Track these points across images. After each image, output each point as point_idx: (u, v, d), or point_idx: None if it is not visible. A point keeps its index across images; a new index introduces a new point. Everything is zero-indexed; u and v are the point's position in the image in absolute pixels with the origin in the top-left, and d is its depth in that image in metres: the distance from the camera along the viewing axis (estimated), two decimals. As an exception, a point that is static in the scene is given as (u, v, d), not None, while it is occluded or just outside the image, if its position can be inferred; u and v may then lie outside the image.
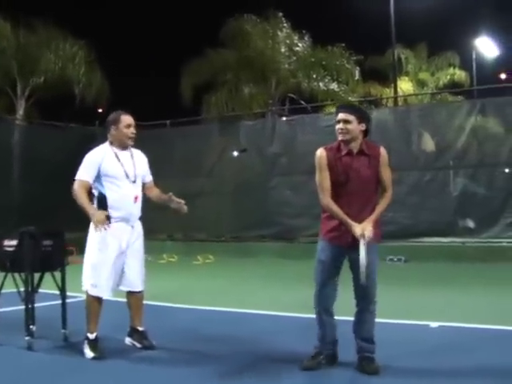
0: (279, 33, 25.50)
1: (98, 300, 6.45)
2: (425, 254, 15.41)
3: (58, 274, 6.91)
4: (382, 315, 7.93)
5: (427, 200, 16.16)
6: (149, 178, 6.92)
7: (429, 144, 17.27)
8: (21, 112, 23.87)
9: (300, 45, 25.87)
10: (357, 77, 26.37)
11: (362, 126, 5.61)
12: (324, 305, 5.72)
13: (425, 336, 7.13)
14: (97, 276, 6.38)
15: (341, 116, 5.64)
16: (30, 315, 6.53)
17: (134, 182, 6.57)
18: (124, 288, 6.67)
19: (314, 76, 25.74)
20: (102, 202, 6.45)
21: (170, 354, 6.47)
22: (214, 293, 10.90)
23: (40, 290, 6.86)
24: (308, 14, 30.35)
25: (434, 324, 7.57)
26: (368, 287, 5.58)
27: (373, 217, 5.51)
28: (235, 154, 19.45)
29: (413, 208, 16.20)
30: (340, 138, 5.62)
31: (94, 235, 6.44)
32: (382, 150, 5.67)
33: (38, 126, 22.82)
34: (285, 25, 25.65)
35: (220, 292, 11.11)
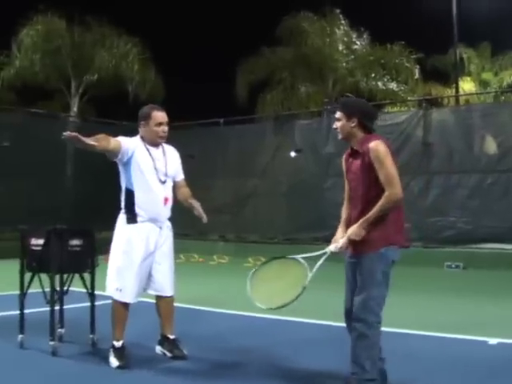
0: (337, 30, 25.06)
1: (124, 305, 6.00)
2: (484, 261, 14.65)
3: (88, 276, 6.52)
4: (436, 328, 7.47)
5: (488, 204, 15.40)
6: (180, 177, 6.44)
7: (491, 146, 16.51)
8: (75, 109, 23.94)
9: (358, 43, 25.42)
10: (416, 76, 25.67)
11: (353, 122, 5.00)
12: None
13: (482, 354, 6.40)
14: (121, 280, 5.93)
15: (335, 114, 5.17)
16: (54, 318, 6.14)
17: (165, 182, 6.13)
18: (153, 292, 6.22)
19: (373, 75, 25.25)
20: (129, 199, 6.02)
21: (201, 365, 5.99)
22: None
23: (73, 289, 6.49)
24: (366, 11, 29.67)
25: (492, 340, 6.82)
26: (357, 303, 4.86)
27: (360, 221, 4.87)
28: (290, 154, 18.97)
29: (473, 212, 15.53)
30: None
31: (119, 236, 6.04)
32: (372, 145, 4.89)
33: (92, 124, 22.70)
34: (342, 22, 25.20)
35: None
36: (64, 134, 5.39)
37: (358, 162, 4.99)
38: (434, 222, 15.88)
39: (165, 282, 6.17)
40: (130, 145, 5.99)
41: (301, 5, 25.16)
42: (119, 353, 5.89)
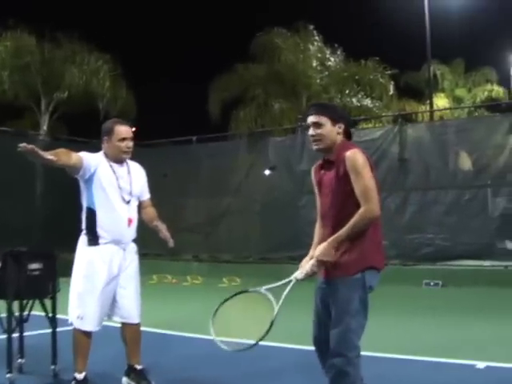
0: (310, 46, 24.84)
1: (86, 334, 5.58)
2: (463, 279, 14.31)
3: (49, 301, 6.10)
4: (417, 352, 7.10)
5: (466, 220, 15.18)
6: (146, 196, 6.07)
7: (466, 162, 16.33)
8: (45, 127, 23.48)
9: (332, 59, 25.24)
10: (391, 92, 25.51)
11: (340, 128, 4.44)
12: None
13: (471, 379, 6.06)
14: (82, 306, 5.52)
15: (310, 119, 4.50)
16: (12, 348, 5.72)
17: (129, 202, 5.75)
18: (118, 319, 5.79)
19: (347, 91, 25.04)
20: (91, 219, 5.63)
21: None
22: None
23: (35, 313, 6.10)
24: (340, 27, 29.66)
25: (480, 364, 6.41)
26: (334, 336, 4.32)
27: (330, 239, 4.30)
28: (264, 172, 18.67)
29: (451, 229, 15.29)
30: (314, 147, 4.52)
31: (80, 259, 5.65)
32: (349, 153, 4.30)
33: (62, 142, 22.25)
34: (316, 38, 25.00)
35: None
36: (19, 145, 4.95)
37: (331, 174, 4.42)
38: (412, 239, 15.62)
39: (130, 308, 5.75)
40: (92, 161, 5.64)
41: (274, 21, 25.03)
42: None
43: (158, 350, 7.15)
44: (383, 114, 24.64)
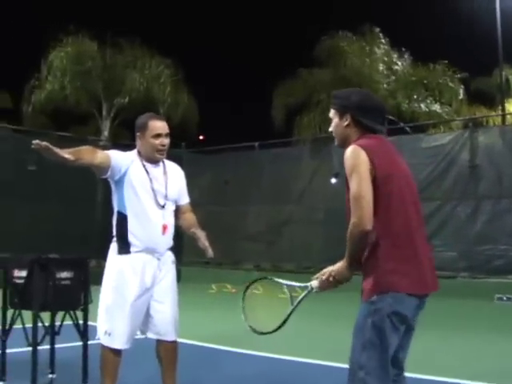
0: (377, 50, 24.18)
1: (114, 352, 5.00)
2: (539, 293, 13.56)
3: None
4: (491, 378, 6.35)
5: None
6: (184, 200, 5.49)
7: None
8: (106, 133, 23.39)
9: (399, 63, 24.49)
10: (461, 96, 24.62)
11: (347, 119, 3.80)
12: None
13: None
14: (111, 321, 4.96)
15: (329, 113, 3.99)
16: (36, 363, 5.22)
17: (163, 207, 5.16)
18: (152, 336, 5.20)
19: (415, 96, 24.22)
20: (122, 224, 5.06)
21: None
22: (292, 336, 8.59)
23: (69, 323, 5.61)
24: (407, 29, 28.90)
25: None
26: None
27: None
28: (331, 179, 18.12)
29: (525, 239, 14.45)
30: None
31: (109, 269, 5.07)
32: (346, 152, 3.65)
33: (124, 148, 22.08)
34: (382, 41, 24.31)
35: (301, 335, 8.57)
36: (33, 142, 4.41)
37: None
38: (483, 250, 14.85)
39: (166, 324, 5.16)
40: (122, 160, 5.08)
41: (339, 24, 24.49)
42: None
43: (206, 366, 6.60)
44: (453, 119, 23.78)
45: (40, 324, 5.32)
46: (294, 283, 3.99)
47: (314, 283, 3.81)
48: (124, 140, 24.13)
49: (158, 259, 5.13)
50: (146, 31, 26.25)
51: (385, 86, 24.22)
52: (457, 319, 10.18)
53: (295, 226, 18.34)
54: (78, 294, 5.54)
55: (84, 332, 5.60)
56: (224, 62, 37.44)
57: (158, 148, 5.13)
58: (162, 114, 22.92)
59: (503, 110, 25.10)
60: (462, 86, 24.73)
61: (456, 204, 14.99)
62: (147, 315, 5.10)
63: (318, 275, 3.81)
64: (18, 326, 5.50)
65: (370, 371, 3.48)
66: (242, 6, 36.27)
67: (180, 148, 20.23)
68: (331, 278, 3.70)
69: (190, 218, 5.44)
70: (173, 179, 5.32)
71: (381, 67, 24.23)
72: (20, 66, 24.69)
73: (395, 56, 24.64)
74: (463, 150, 15.87)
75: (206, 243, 5.18)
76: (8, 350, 5.64)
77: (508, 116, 25.18)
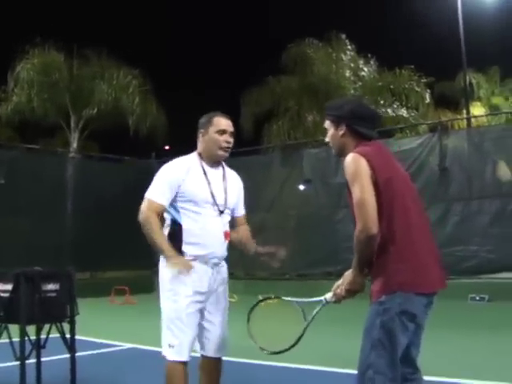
0: (343, 56, 24.50)
1: (180, 365, 4.60)
2: (511, 293, 13.70)
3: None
4: (465, 375, 6.47)
5: (512, 231, 14.49)
6: (241, 212, 5.14)
7: (505, 171, 15.67)
8: (75, 145, 23.32)
9: (365, 69, 24.81)
10: (427, 100, 24.93)
11: (342, 129, 3.89)
12: None
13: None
14: (172, 333, 4.63)
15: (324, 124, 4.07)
16: (25, 376, 5.16)
17: (223, 212, 4.80)
18: (198, 349, 4.83)
19: (382, 102, 24.46)
20: (176, 233, 4.67)
21: None
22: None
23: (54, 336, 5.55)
24: (373, 35, 29.19)
25: None
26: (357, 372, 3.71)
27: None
28: (299, 186, 18.18)
29: (496, 240, 14.58)
30: None
31: (164, 279, 4.74)
32: (346, 159, 3.74)
33: (93, 160, 22.08)
34: (349, 47, 24.60)
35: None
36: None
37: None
38: (455, 251, 14.93)
39: (214, 339, 4.80)
40: (173, 184, 4.69)
41: (305, 32, 24.69)
42: None
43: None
44: (421, 122, 24.02)
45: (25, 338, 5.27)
46: (305, 299, 4.00)
47: (328, 296, 3.85)
48: (93, 151, 24.13)
49: (213, 268, 4.77)
50: (113, 42, 26.27)
51: (352, 91, 24.48)
52: (431, 318, 10.28)
53: (267, 234, 18.17)
54: (65, 306, 5.48)
55: (71, 344, 5.54)
56: (191, 71, 37.51)
57: (222, 145, 4.76)
58: (131, 125, 23.04)
59: (468, 113, 25.38)
60: (428, 91, 25.05)
61: (427, 207, 15.01)
62: (199, 327, 4.80)
63: (332, 289, 3.84)
64: (2, 340, 5.43)
65: (379, 370, 3.55)
66: (208, 16, 36.39)
67: (150, 158, 20.11)
68: (345, 290, 3.75)
69: (245, 231, 5.11)
70: (232, 187, 4.98)
71: (347, 73, 24.51)
72: (-15, 79, 24.50)
73: (361, 62, 24.97)
74: (432, 154, 15.99)
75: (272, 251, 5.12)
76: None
77: (473, 119, 25.49)
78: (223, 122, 4.81)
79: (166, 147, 31.96)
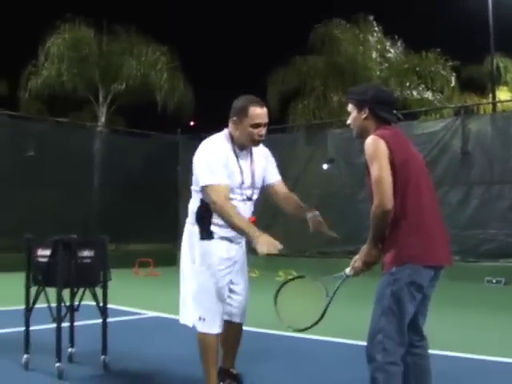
0: (370, 38, 24.49)
1: (213, 337, 4.84)
2: (529, 276, 13.90)
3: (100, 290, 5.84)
4: (483, 351, 6.74)
5: (532, 215, 14.63)
6: (275, 177, 5.15)
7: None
8: (103, 119, 23.60)
9: (392, 50, 24.81)
10: (453, 84, 24.93)
11: (365, 112, 4.13)
12: None
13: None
14: (203, 306, 4.82)
15: (347, 107, 4.31)
16: (61, 337, 5.47)
17: (250, 199, 4.92)
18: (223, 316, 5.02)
19: (408, 84, 24.51)
20: (206, 214, 4.79)
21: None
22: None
23: (86, 303, 5.88)
24: (400, 18, 29.15)
25: None
26: (367, 337, 4.00)
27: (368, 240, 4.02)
28: (323, 165, 18.34)
29: (515, 224, 14.74)
30: None
31: (190, 253, 4.92)
32: (366, 141, 3.98)
33: (120, 134, 22.40)
34: (376, 29, 24.60)
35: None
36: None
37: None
38: (474, 234, 15.13)
39: (239, 306, 5.05)
40: (223, 163, 4.71)
41: (333, 12, 24.72)
42: None
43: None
44: (445, 106, 24.03)
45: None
46: (327, 276, 4.27)
47: (347, 270, 4.14)
48: (120, 126, 24.44)
49: (237, 244, 4.94)
50: (142, 19, 26.50)
51: (378, 73, 24.53)
52: (448, 300, 10.50)
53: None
54: (98, 272, 5.75)
55: (104, 309, 5.81)
56: (218, 49, 37.62)
57: (256, 138, 4.79)
58: (159, 101, 23.28)
59: (494, 97, 25.35)
60: (454, 74, 25.02)
61: (448, 190, 15.20)
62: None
63: (350, 263, 4.13)
64: (37, 305, 5.74)
65: (388, 334, 3.86)
66: (236, -6, 36.48)
67: (176, 134, 20.36)
68: (361, 263, 4.04)
69: (293, 199, 5.17)
70: (258, 165, 4.99)
71: (374, 55, 24.53)
72: (17, 53, 24.89)
73: (388, 44, 24.95)
74: (455, 137, 16.09)
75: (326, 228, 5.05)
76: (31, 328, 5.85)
77: (498, 104, 25.45)
78: (259, 114, 4.76)
79: (191, 123, 32.24)
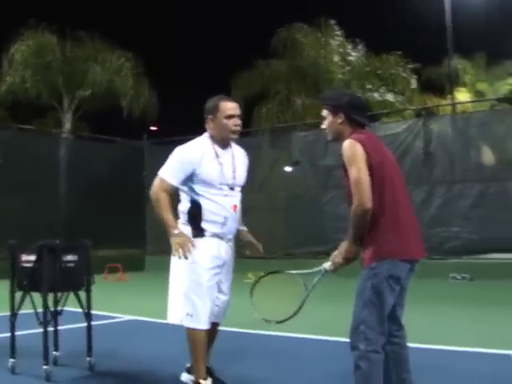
0: (332, 42, 24.79)
1: (201, 332, 5.07)
2: (492, 272, 14.28)
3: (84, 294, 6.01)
4: (452, 342, 7.05)
5: (492, 213, 15.03)
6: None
7: (489, 156, 16.14)
8: (67, 126, 23.56)
9: (354, 54, 25.11)
10: (413, 86, 25.33)
11: (340, 118, 4.36)
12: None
13: (508, 368, 5.97)
14: (191, 303, 5.05)
15: (322, 112, 4.52)
16: (47, 340, 5.64)
17: (232, 189, 5.20)
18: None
19: (369, 86, 24.81)
20: (195, 212, 5.12)
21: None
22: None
23: (68, 309, 6.02)
24: (361, 21, 29.51)
25: None
26: (350, 328, 4.25)
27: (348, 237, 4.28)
28: (287, 167, 18.59)
29: (477, 222, 15.17)
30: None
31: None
32: (344, 145, 4.22)
33: (85, 140, 22.41)
34: (337, 33, 24.91)
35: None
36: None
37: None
38: (438, 232, 15.47)
39: (223, 305, 5.33)
40: (189, 166, 5.08)
41: (295, 17, 24.96)
42: None
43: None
44: (406, 108, 24.42)
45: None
46: (304, 271, 4.50)
47: (326, 265, 4.38)
48: (85, 132, 24.43)
49: (227, 243, 5.23)
50: (106, 25, 26.46)
51: (340, 76, 24.79)
52: (415, 296, 10.81)
53: (257, 214, 18.50)
54: (82, 276, 5.92)
55: (88, 310, 5.98)
56: (182, 54, 37.73)
57: (232, 129, 5.13)
58: (125, 107, 23.32)
59: (453, 98, 25.79)
60: (414, 76, 25.42)
61: (411, 189, 15.28)
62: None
63: (330, 259, 4.38)
64: (22, 311, 5.87)
65: (370, 325, 4.12)
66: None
67: (141, 140, 20.43)
68: (342, 259, 4.29)
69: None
70: (240, 163, 5.33)
71: (336, 58, 24.80)
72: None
73: (349, 47, 25.23)
74: (417, 138, 16.43)
75: (254, 241, 5.52)
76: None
77: (458, 105, 25.88)
78: (230, 107, 5.18)
79: (154, 128, 32.25)
